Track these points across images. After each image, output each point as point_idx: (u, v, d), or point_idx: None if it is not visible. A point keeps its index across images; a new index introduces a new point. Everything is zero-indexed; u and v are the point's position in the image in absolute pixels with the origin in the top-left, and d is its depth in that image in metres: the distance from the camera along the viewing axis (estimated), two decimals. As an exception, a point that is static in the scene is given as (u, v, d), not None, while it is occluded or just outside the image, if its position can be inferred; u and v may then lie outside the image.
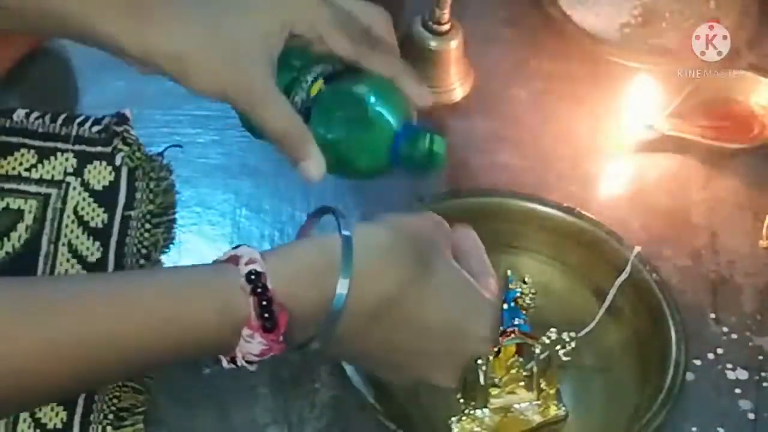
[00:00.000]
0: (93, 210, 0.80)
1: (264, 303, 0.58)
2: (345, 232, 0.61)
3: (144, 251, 0.77)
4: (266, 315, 0.58)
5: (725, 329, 0.79)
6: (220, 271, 0.60)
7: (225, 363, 0.60)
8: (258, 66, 0.66)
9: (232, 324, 0.58)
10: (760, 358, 0.77)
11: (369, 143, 0.67)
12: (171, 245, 0.79)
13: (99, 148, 0.83)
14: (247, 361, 0.60)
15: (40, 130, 0.84)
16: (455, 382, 0.68)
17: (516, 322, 0.72)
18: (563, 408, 0.72)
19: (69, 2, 0.67)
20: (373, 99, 0.67)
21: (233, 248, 0.60)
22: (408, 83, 0.69)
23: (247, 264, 0.59)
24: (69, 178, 0.81)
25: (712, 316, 0.80)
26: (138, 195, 0.81)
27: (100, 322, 0.56)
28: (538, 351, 0.71)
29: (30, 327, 0.54)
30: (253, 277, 0.58)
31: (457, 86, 0.92)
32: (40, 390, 0.56)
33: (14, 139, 0.83)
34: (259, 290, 0.58)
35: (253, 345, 0.59)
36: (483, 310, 0.67)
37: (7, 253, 0.77)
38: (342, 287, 0.60)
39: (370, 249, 0.62)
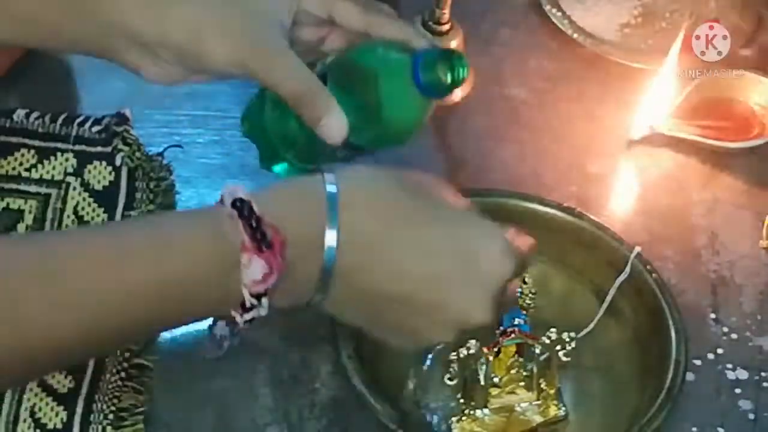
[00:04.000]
0: (93, 210, 0.80)
1: (253, 225, 0.58)
2: (329, 179, 0.62)
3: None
4: (258, 236, 0.58)
5: (725, 329, 0.79)
6: (206, 209, 0.62)
7: (238, 317, 0.60)
8: (274, 29, 0.67)
9: (230, 254, 0.58)
10: (760, 358, 0.78)
11: (390, 85, 0.67)
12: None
13: (99, 148, 0.83)
14: (255, 296, 0.59)
15: (40, 130, 0.84)
16: (488, 313, 0.65)
17: (516, 322, 0.72)
18: (563, 408, 0.72)
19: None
20: (382, 49, 0.68)
21: None
22: (423, 44, 0.70)
23: (230, 195, 0.60)
24: (69, 178, 0.81)
25: (712, 316, 0.80)
26: (138, 195, 0.81)
27: (102, 279, 0.57)
28: (538, 351, 0.71)
29: (37, 287, 0.55)
30: (238, 204, 0.59)
31: (457, 86, 0.92)
32: (47, 354, 0.57)
33: (14, 139, 0.83)
34: (245, 214, 0.58)
35: (253, 269, 0.58)
36: (494, 233, 0.65)
37: (7, 253, 0.77)
38: (330, 239, 0.60)
39: (355, 182, 0.62)
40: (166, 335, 0.73)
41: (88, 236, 0.61)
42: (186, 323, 0.63)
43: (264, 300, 0.59)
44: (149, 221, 0.64)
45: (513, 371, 0.71)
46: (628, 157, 0.90)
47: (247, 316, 0.60)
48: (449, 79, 0.67)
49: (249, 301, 0.59)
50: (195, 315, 0.62)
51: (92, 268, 0.57)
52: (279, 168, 0.73)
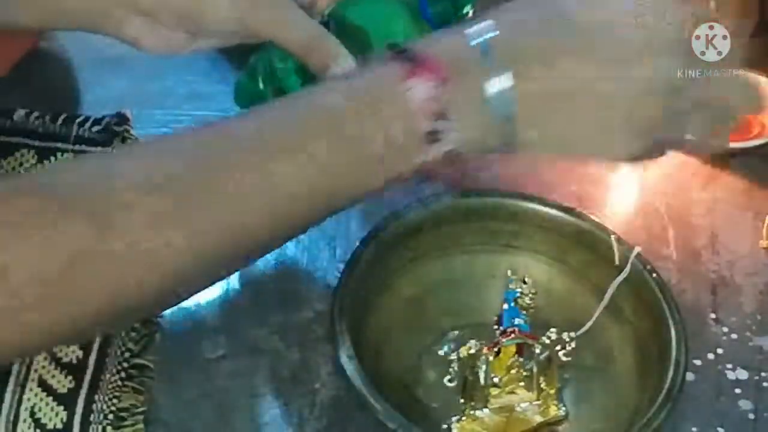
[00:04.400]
0: (93, 210, 0.80)
1: (403, 52, 0.57)
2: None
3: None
4: (410, 58, 0.57)
5: (725, 329, 0.79)
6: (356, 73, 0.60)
7: (425, 146, 0.57)
8: None
9: (388, 88, 0.57)
10: (760, 358, 0.78)
11: (395, 20, 0.67)
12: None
13: (99, 148, 0.83)
14: (436, 116, 0.56)
15: (40, 130, 0.84)
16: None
17: (516, 322, 0.72)
18: (563, 408, 0.72)
19: None
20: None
21: None
22: None
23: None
24: (69, 178, 0.81)
25: (712, 316, 0.80)
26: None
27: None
28: (538, 351, 0.71)
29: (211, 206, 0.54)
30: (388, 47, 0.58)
31: (457, 86, 0.92)
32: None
33: (14, 139, 0.83)
34: (395, 51, 0.58)
35: (418, 90, 0.56)
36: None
37: (7, 253, 0.77)
38: (487, 28, 0.58)
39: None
40: (166, 335, 0.73)
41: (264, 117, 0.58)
42: (371, 188, 0.59)
43: (446, 122, 0.57)
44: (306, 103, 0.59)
45: (513, 371, 0.71)
46: (628, 157, 0.90)
47: (437, 149, 0.57)
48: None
49: (429, 126, 0.57)
50: (383, 174, 0.58)
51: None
52: None
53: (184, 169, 0.54)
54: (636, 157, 0.62)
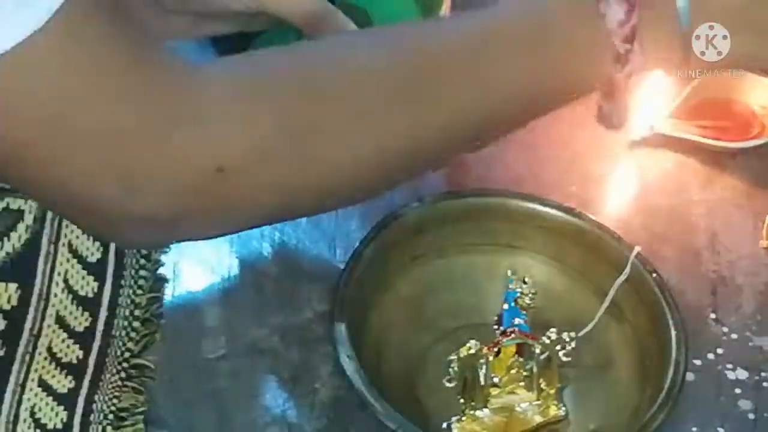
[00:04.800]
0: (93, 210, 0.80)
1: None
2: None
3: (144, 251, 0.77)
4: None
5: (725, 329, 0.79)
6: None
7: (615, 65, 0.60)
8: None
9: (591, 14, 0.59)
10: (760, 358, 0.77)
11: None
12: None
13: (99, 148, 0.83)
14: (628, 39, 0.59)
15: (40, 130, 0.84)
16: None
17: (516, 322, 0.72)
18: (563, 408, 0.72)
19: None
20: None
21: None
22: None
23: None
24: (69, 178, 0.81)
25: (712, 316, 0.79)
26: (138, 195, 0.81)
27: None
28: (538, 351, 0.71)
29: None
30: None
31: (457, 86, 0.92)
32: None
33: (14, 139, 0.83)
34: None
35: (614, 12, 0.59)
36: None
37: (7, 253, 0.77)
38: None
39: None
40: (166, 335, 0.73)
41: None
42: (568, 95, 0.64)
43: (635, 44, 0.59)
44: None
45: (513, 371, 0.71)
46: (628, 157, 0.90)
47: (626, 69, 0.60)
48: None
49: (621, 48, 0.59)
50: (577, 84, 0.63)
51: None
52: None
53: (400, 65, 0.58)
54: None
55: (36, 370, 0.71)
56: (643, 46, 0.60)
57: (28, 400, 0.70)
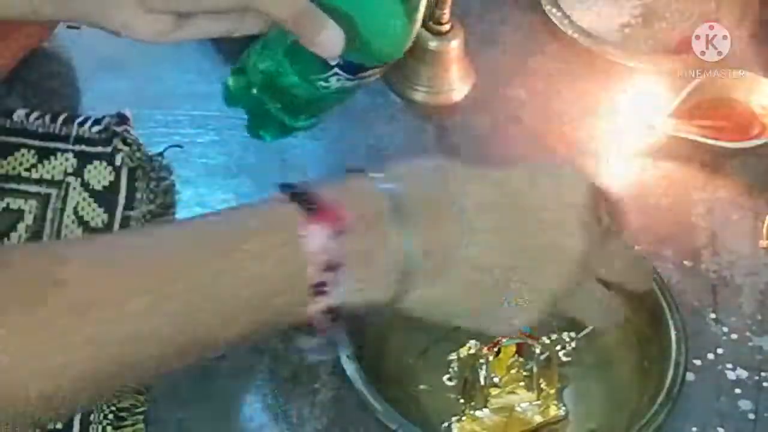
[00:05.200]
0: (93, 210, 0.80)
1: (302, 196, 0.55)
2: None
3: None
4: (310, 207, 0.54)
5: (725, 329, 0.79)
6: (255, 208, 0.57)
7: (313, 309, 0.54)
8: None
9: (286, 235, 0.54)
10: (760, 358, 0.78)
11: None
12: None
13: (99, 148, 0.83)
14: (328, 269, 0.53)
15: (40, 130, 0.84)
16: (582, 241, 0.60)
17: (516, 322, 0.72)
18: (563, 408, 0.72)
19: None
20: None
21: None
22: None
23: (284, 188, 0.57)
24: (69, 178, 0.81)
25: (712, 316, 0.80)
26: (138, 195, 0.81)
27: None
28: (538, 351, 0.71)
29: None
30: (286, 187, 0.56)
31: (457, 86, 0.92)
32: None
33: (14, 139, 0.83)
34: (295, 192, 0.55)
35: (313, 239, 0.53)
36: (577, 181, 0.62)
37: (7, 253, 0.77)
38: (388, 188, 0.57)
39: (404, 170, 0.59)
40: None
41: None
42: (259, 334, 0.56)
43: (337, 275, 0.54)
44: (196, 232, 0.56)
45: (513, 371, 0.71)
46: (628, 157, 0.90)
47: (321, 302, 0.54)
48: None
49: (318, 277, 0.53)
50: (269, 321, 0.55)
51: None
52: (268, 133, 0.73)
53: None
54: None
55: (36, 370, 0.71)
56: (348, 277, 0.54)
57: (28, 400, 0.70)
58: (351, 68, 0.68)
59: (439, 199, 0.58)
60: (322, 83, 0.68)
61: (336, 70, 0.67)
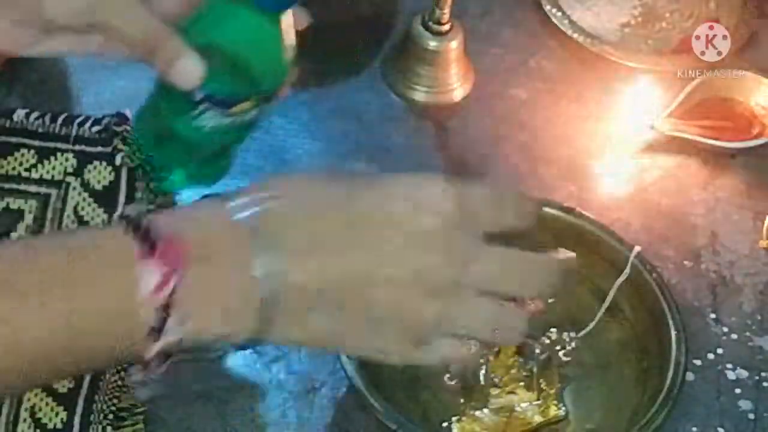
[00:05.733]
0: (93, 210, 0.80)
1: (141, 228, 0.51)
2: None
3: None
4: (147, 241, 0.51)
5: (725, 329, 0.79)
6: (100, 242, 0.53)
7: (150, 350, 0.51)
8: None
9: (122, 269, 0.51)
10: (760, 358, 0.78)
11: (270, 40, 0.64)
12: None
13: (99, 148, 0.83)
14: (163, 309, 0.50)
15: (40, 130, 0.84)
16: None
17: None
18: (563, 408, 0.72)
19: None
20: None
21: None
22: None
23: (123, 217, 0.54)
24: (69, 178, 0.81)
25: (712, 316, 0.80)
26: (138, 195, 0.81)
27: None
28: (538, 351, 0.71)
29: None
30: (126, 219, 0.53)
31: (457, 86, 0.92)
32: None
33: (14, 139, 0.83)
34: (131, 223, 0.52)
35: (148, 278, 0.50)
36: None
37: (7, 253, 0.77)
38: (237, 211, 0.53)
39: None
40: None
41: None
42: (95, 367, 0.55)
43: (173, 316, 0.50)
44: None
45: (513, 371, 0.71)
46: (628, 157, 0.90)
47: (158, 344, 0.51)
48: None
49: (153, 319, 0.50)
50: (104, 356, 0.52)
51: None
52: (176, 176, 0.73)
53: None
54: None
55: (36, 370, 0.71)
56: (187, 316, 0.51)
57: (28, 400, 0.70)
58: (224, 102, 0.65)
59: (305, 221, 0.54)
60: (197, 122, 0.66)
61: (207, 104, 0.65)
